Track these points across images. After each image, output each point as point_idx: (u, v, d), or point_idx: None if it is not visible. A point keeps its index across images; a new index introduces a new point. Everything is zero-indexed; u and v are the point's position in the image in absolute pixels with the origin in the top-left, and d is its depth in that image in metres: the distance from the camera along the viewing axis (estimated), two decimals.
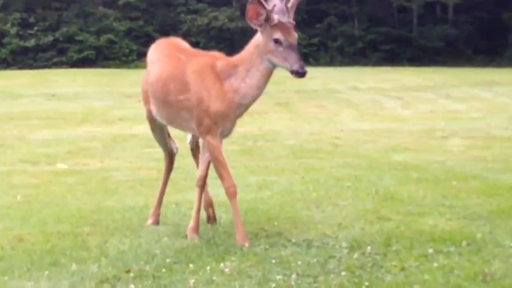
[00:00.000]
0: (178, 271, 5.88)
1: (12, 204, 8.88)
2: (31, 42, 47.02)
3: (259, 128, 17.18)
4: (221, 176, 6.83)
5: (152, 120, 7.53)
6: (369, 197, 8.83)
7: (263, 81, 6.70)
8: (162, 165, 7.97)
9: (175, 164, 7.86)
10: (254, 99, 6.79)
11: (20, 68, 44.52)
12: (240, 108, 6.81)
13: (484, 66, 45.60)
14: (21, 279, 5.80)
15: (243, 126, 14.67)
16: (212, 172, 7.06)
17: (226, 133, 6.96)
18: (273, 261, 6.10)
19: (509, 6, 50.32)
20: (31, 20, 48.20)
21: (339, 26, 49.62)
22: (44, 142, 15.35)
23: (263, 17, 6.53)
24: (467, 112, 22.06)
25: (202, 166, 7.10)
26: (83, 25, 48.79)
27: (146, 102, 7.48)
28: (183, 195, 8.98)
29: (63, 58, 47.17)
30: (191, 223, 7.01)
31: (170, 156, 7.73)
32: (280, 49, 6.48)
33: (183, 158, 9.24)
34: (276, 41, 6.49)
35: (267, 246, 6.55)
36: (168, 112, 7.16)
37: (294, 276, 5.70)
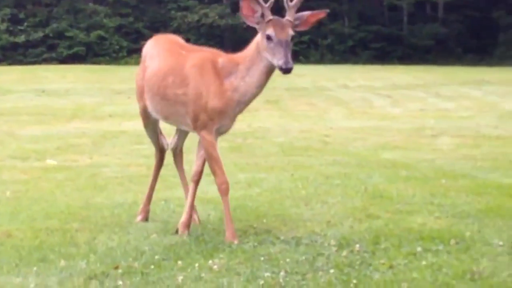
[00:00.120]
0: (166, 268, 5.88)
1: (1, 199, 8.85)
2: (21, 38, 46.98)
3: (248, 125, 17.15)
4: (214, 173, 6.82)
5: (146, 116, 7.49)
6: (358, 195, 8.83)
7: (264, 79, 6.67)
8: (152, 162, 7.96)
9: (165, 161, 7.84)
10: (254, 96, 6.77)
11: (10, 64, 44.44)
12: (240, 105, 6.79)
13: (474, 65, 45.71)
14: (9, 274, 5.79)
15: None
16: (206, 169, 7.05)
17: (224, 130, 6.95)
18: (262, 258, 6.09)
19: (499, 5, 50.49)
20: (21, 16, 48.14)
21: (329, 24, 49.57)
22: (34, 138, 15.32)
23: (258, 14, 6.52)
24: (457, 110, 22.12)
25: (198, 161, 7.08)
26: (73, 21, 48.75)
27: (141, 98, 7.43)
28: (172, 192, 8.97)
29: (53, 54, 47.15)
30: (183, 218, 6.99)
31: (161, 153, 7.70)
32: (271, 45, 6.45)
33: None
34: (268, 38, 6.47)
35: (255, 244, 6.55)
36: (164, 107, 7.12)
37: (282, 273, 5.69)
